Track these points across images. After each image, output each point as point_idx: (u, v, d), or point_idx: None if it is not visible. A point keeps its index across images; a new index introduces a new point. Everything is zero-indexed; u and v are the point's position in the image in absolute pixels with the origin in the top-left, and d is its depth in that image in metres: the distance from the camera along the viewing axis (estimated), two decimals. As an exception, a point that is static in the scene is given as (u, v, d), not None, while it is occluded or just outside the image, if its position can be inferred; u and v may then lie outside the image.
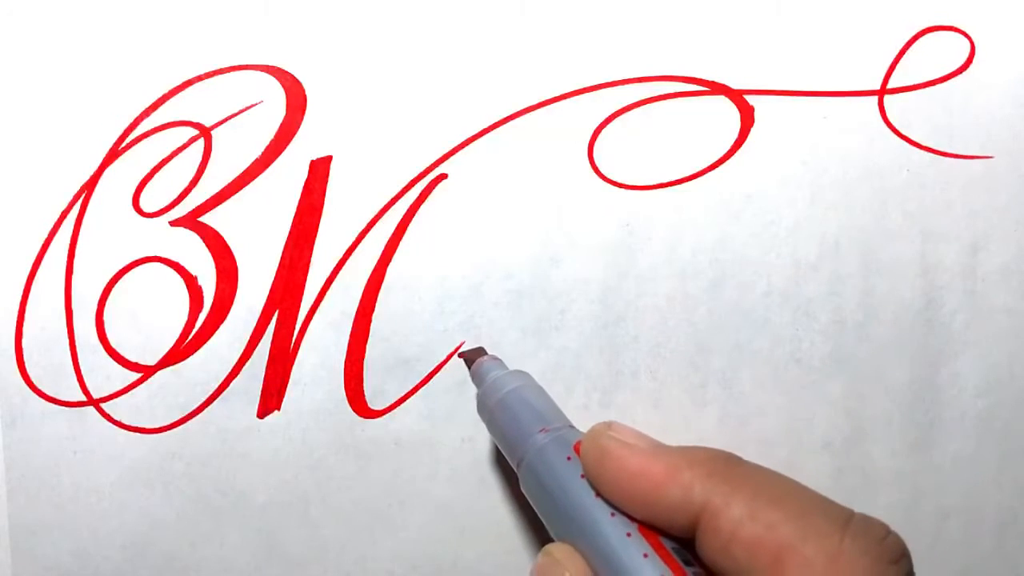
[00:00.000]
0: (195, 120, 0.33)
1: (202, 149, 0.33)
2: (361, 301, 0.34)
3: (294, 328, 0.34)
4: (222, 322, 0.34)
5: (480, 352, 0.33)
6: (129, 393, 0.34)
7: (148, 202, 0.33)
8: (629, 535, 0.24)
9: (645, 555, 0.23)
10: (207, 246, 0.33)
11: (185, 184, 0.33)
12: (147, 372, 0.34)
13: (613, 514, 0.25)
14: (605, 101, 0.34)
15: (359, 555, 0.35)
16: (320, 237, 0.34)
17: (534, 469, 0.28)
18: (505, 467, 0.35)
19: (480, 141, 0.34)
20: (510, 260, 0.34)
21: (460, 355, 0.34)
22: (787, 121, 0.35)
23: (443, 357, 0.34)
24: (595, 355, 0.35)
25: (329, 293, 0.34)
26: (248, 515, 0.34)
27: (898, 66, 0.35)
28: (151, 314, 0.33)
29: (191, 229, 0.33)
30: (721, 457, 0.24)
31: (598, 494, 0.25)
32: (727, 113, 0.34)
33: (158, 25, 0.33)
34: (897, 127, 0.35)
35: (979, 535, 0.37)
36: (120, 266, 0.33)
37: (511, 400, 0.30)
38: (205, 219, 0.33)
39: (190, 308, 0.33)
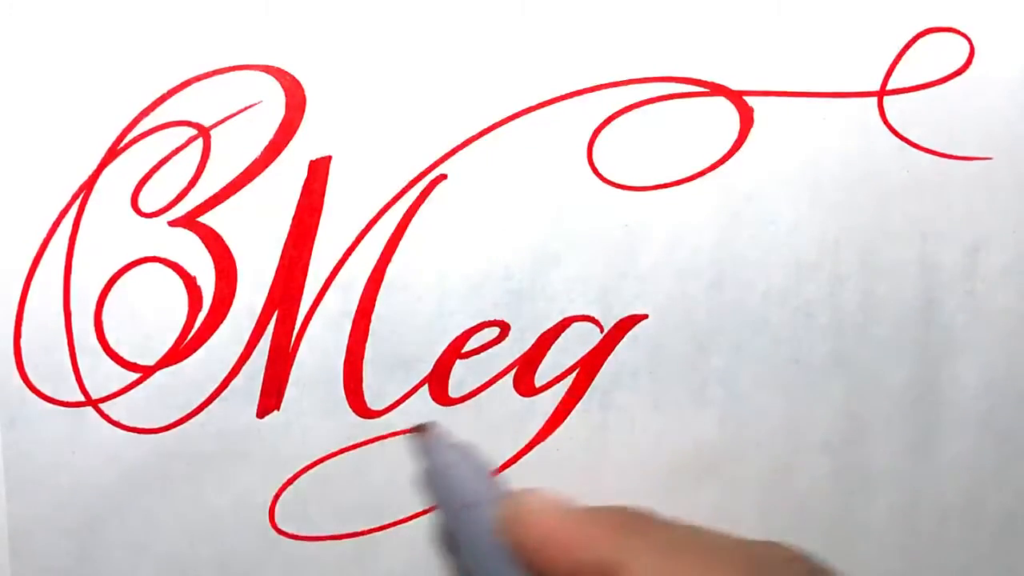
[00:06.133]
0: (194, 120, 0.33)
1: (201, 149, 0.33)
2: (361, 301, 0.34)
3: (293, 328, 0.34)
4: (221, 322, 0.34)
5: (428, 427, 0.34)
6: (128, 393, 0.34)
7: (147, 202, 0.33)
8: None
9: None
10: (206, 246, 0.33)
11: (184, 184, 0.33)
12: (146, 372, 0.34)
13: None
14: (605, 101, 0.34)
15: (359, 555, 0.35)
16: (320, 237, 0.34)
17: (464, 539, 0.28)
18: (505, 467, 0.35)
19: (480, 141, 0.34)
20: (510, 260, 0.34)
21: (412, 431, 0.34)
22: (787, 121, 0.35)
23: (442, 357, 0.34)
24: (594, 355, 0.35)
25: (329, 293, 0.34)
26: (248, 515, 0.34)
27: (898, 67, 0.35)
28: (150, 314, 0.33)
29: (190, 229, 0.33)
30: (630, 512, 0.25)
31: (517, 564, 0.26)
32: (727, 114, 0.34)
33: (158, 25, 0.33)
34: (897, 128, 0.35)
35: (979, 535, 0.37)
36: (119, 266, 0.33)
37: (441, 474, 0.31)
38: (204, 219, 0.33)
39: (189, 308, 0.33)
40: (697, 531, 0.24)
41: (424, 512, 0.35)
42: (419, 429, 0.33)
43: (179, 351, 0.34)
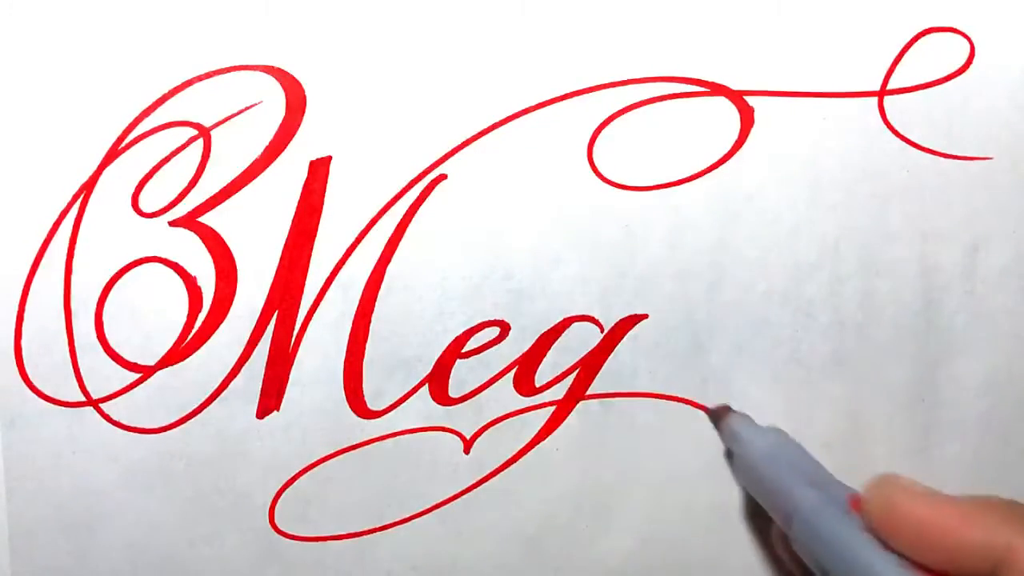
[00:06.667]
0: (194, 120, 0.33)
1: (201, 149, 0.33)
2: (361, 301, 0.34)
3: (293, 328, 0.34)
4: (221, 322, 0.34)
5: (727, 410, 0.34)
6: (128, 393, 0.34)
7: (147, 202, 0.33)
8: None
9: None
10: (206, 246, 0.33)
11: (184, 184, 0.33)
12: (146, 372, 0.34)
13: (901, 566, 0.25)
14: (605, 101, 0.34)
15: (358, 555, 0.35)
16: (319, 237, 0.34)
17: (811, 526, 0.28)
18: (504, 467, 0.35)
19: (480, 141, 0.34)
20: (510, 260, 0.34)
21: (707, 411, 0.34)
22: (787, 122, 0.35)
23: (442, 357, 0.34)
24: (595, 355, 0.35)
25: (329, 293, 0.34)
26: (248, 515, 0.34)
27: (898, 67, 0.35)
28: (150, 314, 0.33)
29: (190, 229, 0.33)
30: (1010, 502, 0.25)
31: (883, 547, 0.25)
32: (727, 114, 0.34)
33: (158, 25, 0.32)
34: (897, 128, 0.35)
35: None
36: (119, 266, 0.33)
37: (773, 457, 0.30)
38: (204, 219, 0.33)
39: (189, 308, 0.33)
40: None
41: (424, 512, 0.35)
42: (716, 415, 0.33)
43: (179, 351, 0.34)
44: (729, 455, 0.34)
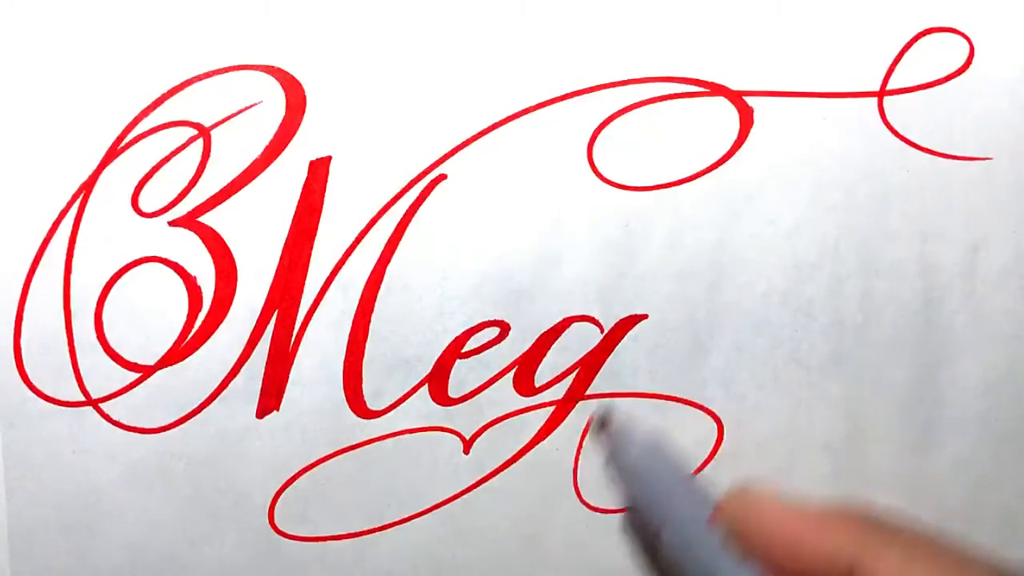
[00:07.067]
0: (194, 120, 0.33)
1: (201, 149, 0.33)
2: (360, 301, 0.34)
3: (293, 328, 0.34)
4: (221, 322, 0.34)
5: (610, 416, 0.34)
6: (128, 393, 0.34)
7: (147, 202, 0.33)
8: None
9: None
10: (206, 246, 0.33)
11: (184, 184, 0.33)
12: (146, 372, 0.34)
13: None
14: (605, 101, 0.34)
15: (358, 555, 0.35)
16: (319, 237, 0.34)
17: (677, 539, 0.28)
18: (504, 467, 0.35)
19: (480, 141, 0.34)
20: (510, 260, 0.34)
21: (591, 418, 0.34)
22: (787, 122, 0.35)
23: (442, 357, 0.34)
24: (595, 355, 0.35)
25: (328, 293, 0.34)
26: (248, 515, 0.34)
27: (898, 67, 0.35)
28: (150, 314, 0.33)
29: (190, 229, 0.33)
30: (865, 511, 0.25)
31: (741, 559, 0.25)
32: (727, 114, 0.34)
33: (158, 25, 0.33)
34: (897, 128, 0.35)
35: (979, 535, 0.37)
36: (119, 266, 0.33)
37: (642, 465, 0.30)
38: (204, 219, 0.33)
39: (189, 308, 0.33)
40: (938, 536, 0.24)
41: (424, 512, 0.35)
42: (601, 421, 0.33)
43: (179, 351, 0.34)
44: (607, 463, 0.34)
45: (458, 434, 0.35)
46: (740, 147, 0.35)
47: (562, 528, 0.36)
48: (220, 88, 0.33)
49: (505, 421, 0.35)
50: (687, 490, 0.29)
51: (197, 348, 0.34)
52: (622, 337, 0.35)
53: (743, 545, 0.26)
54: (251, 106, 0.33)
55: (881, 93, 0.35)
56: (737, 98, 0.34)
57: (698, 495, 0.29)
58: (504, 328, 0.35)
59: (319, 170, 0.33)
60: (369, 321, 0.34)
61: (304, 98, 0.33)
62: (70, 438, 0.33)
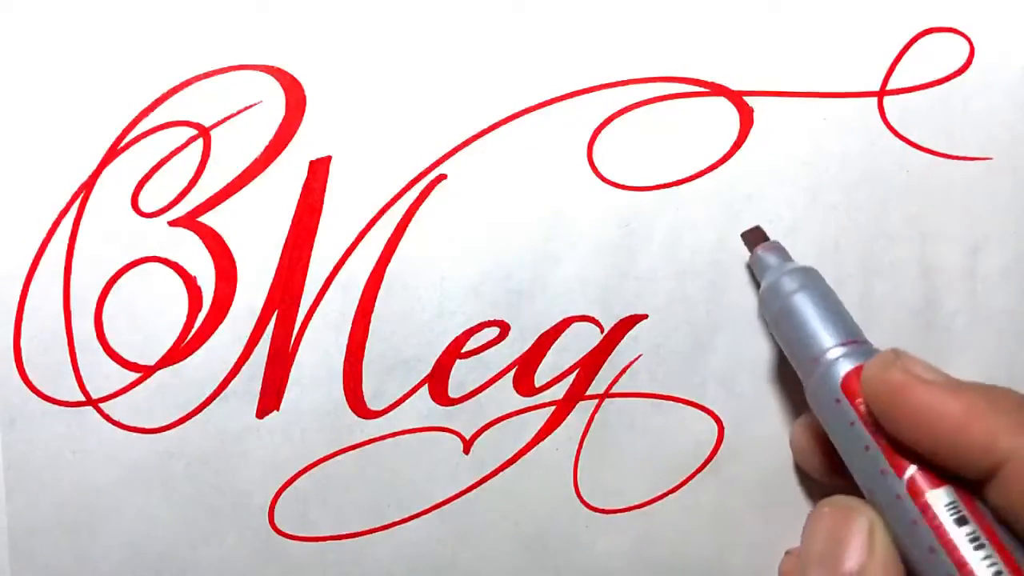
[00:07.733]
0: (194, 120, 0.33)
1: (201, 149, 0.33)
2: (360, 301, 0.34)
3: (293, 328, 0.34)
4: (221, 322, 0.34)
5: (760, 235, 0.33)
6: (128, 393, 0.34)
7: (147, 202, 0.33)
8: (899, 497, 0.23)
9: (914, 522, 0.23)
10: (206, 246, 0.33)
11: (184, 184, 0.33)
12: (146, 372, 0.34)
13: (884, 471, 0.24)
14: (605, 101, 0.34)
15: (358, 555, 0.35)
16: (319, 237, 0.34)
17: (815, 397, 0.28)
18: (504, 467, 0.35)
19: (480, 141, 0.34)
20: (510, 260, 0.34)
21: (741, 235, 0.34)
22: (787, 122, 0.35)
23: (442, 357, 0.34)
24: (594, 355, 0.35)
25: (328, 293, 0.34)
26: (247, 515, 0.34)
27: (898, 67, 0.35)
28: (150, 314, 0.33)
29: (190, 229, 0.33)
30: (1021, 399, 0.23)
31: (875, 437, 0.24)
32: (727, 114, 0.34)
33: (157, 25, 0.33)
34: (897, 128, 0.35)
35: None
36: (119, 266, 0.33)
37: (790, 308, 0.30)
38: (204, 219, 0.33)
39: (189, 308, 0.33)
40: None
41: (424, 512, 0.35)
42: (751, 238, 0.33)
43: (179, 351, 0.34)
44: (757, 284, 0.33)
45: (458, 434, 0.35)
46: (740, 147, 0.35)
47: (562, 528, 0.36)
48: (220, 88, 0.33)
49: (505, 421, 0.35)
50: (838, 334, 0.28)
51: (197, 348, 0.34)
52: (622, 337, 0.35)
53: (885, 422, 0.23)
54: (251, 106, 0.33)
55: (881, 93, 0.35)
56: (737, 98, 0.34)
57: (835, 363, 0.27)
58: (504, 328, 0.35)
59: (319, 170, 0.33)
60: (369, 321, 0.34)
61: (304, 98, 0.33)
62: (70, 438, 0.33)
